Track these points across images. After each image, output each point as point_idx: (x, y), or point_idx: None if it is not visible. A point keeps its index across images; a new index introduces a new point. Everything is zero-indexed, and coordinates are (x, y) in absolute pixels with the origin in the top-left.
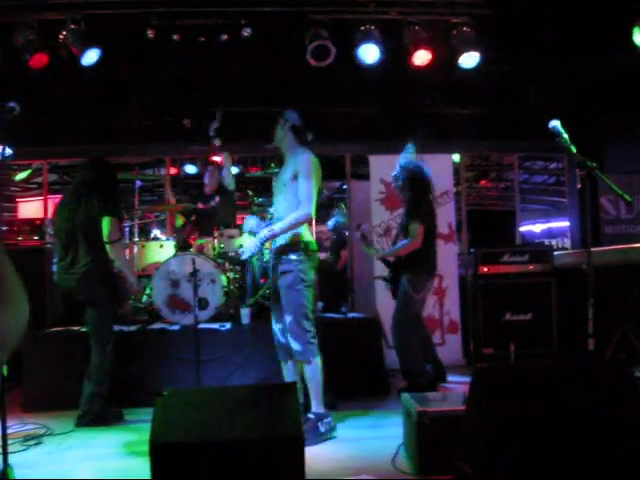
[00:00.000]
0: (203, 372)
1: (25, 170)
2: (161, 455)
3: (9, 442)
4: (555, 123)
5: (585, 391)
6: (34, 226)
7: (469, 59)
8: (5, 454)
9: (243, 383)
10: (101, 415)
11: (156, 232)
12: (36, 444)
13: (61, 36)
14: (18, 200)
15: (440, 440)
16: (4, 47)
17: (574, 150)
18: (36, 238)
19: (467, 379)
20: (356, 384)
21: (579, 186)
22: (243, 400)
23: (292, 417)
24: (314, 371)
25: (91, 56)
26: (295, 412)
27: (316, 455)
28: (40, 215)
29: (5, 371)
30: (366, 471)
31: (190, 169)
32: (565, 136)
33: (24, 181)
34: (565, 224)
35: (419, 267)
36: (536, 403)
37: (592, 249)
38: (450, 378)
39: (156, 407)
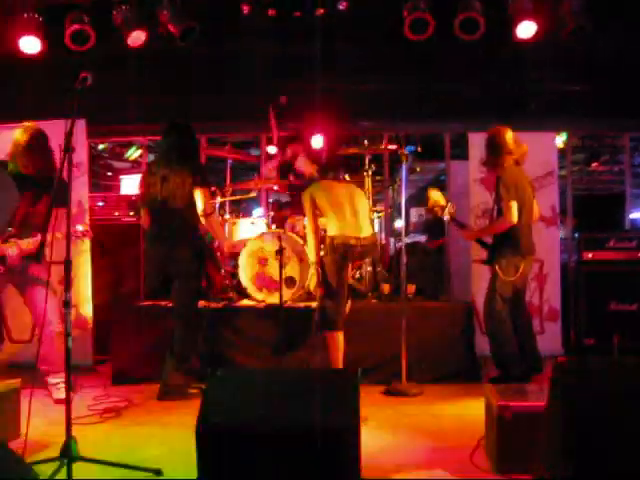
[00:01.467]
0: (285, 353)
1: (132, 147)
2: (206, 439)
3: (88, 414)
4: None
5: None
6: (130, 202)
7: (575, 32)
8: (69, 427)
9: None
10: (182, 390)
11: (256, 211)
12: (114, 417)
13: (159, 13)
14: (123, 177)
15: (522, 437)
16: (103, 26)
17: None
18: (132, 214)
19: None
20: (445, 370)
21: None
22: (299, 384)
23: (349, 406)
24: None
25: (188, 33)
26: (352, 401)
27: (388, 444)
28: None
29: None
30: (442, 465)
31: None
32: None
33: (134, 159)
34: None
35: (509, 248)
36: (620, 403)
37: None
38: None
39: (207, 388)
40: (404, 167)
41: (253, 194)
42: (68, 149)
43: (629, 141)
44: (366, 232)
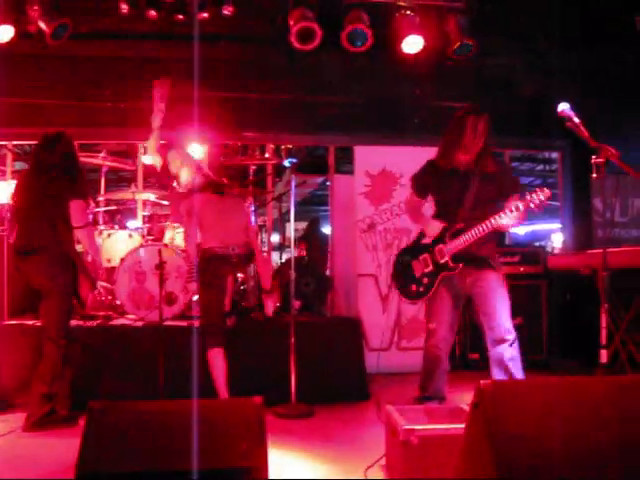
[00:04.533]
0: (167, 373)
1: None
2: None
3: None
4: (564, 106)
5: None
6: None
7: (462, 48)
8: None
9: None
10: (51, 419)
11: (132, 223)
12: None
13: (29, 10)
14: None
15: (430, 462)
16: None
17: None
18: None
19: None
20: (335, 390)
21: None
22: (195, 418)
23: (255, 443)
24: None
25: (60, 31)
26: (258, 435)
27: (278, 471)
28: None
29: None
30: None
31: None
32: (576, 120)
33: None
34: (549, 227)
35: None
36: (543, 422)
37: (594, 251)
38: None
39: (86, 426)
40: (293, 179)
41: (130, 202)
42: None
43: (509, 159)
44: (238, 240)
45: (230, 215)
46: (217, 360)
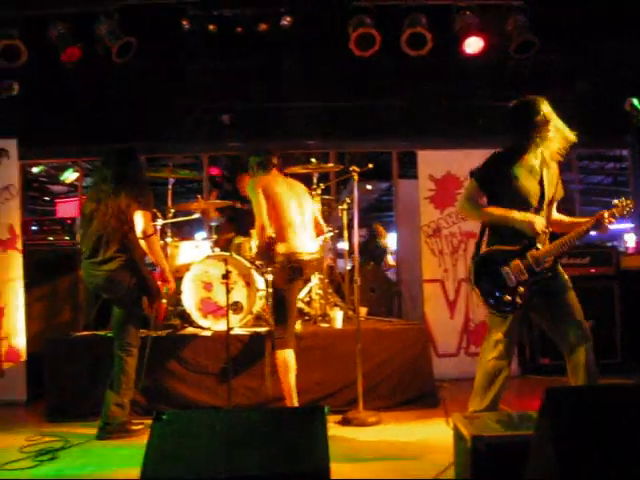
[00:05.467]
0: (233, 383)
1: (67, 170)
2: None
3: (20, 457)
4: (635, 100)
5: None
6: (65, 226)
7: (523, 47)
8: None
9: (276, 396)
10: (124, 427)
11: (199, 234)
12: (50, 459)
13: (97, 30)
14: (58, 201)
15: (498, 469)
16: (37, 42)
17: None
18: (67, 238)
19: None
20: (402, 396)
21: None
22: (258, 427)
23: (317, 450)
24: None
25: (125, 50)
26: (321, 443)
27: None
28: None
29: None
30: None
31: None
32: None
33: (70, 182)
34: (621, 226)
35: None
36: (612, 429)
37: None
38: None
39: (151, 434)
40: (355, 185)
41: (196, 215)
42: None
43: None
44: (315, 247)
45: (302, 209)
46: (288, 362)
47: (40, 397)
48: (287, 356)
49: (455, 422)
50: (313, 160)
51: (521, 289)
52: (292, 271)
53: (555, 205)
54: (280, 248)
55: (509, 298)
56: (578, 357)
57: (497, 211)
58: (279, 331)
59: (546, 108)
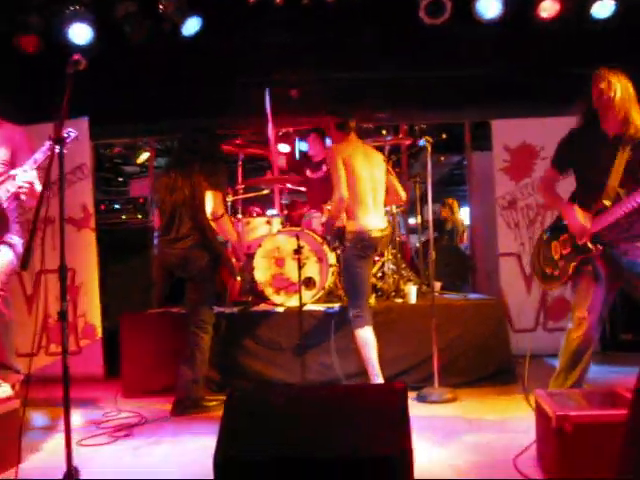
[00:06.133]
0: (308, 359)
1: (140, 151)
2: (227, 473)
3: (97, 433)
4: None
5: None
6: (138, 204)
7: (603, 8)
8: (69, 454)
9: (347, 373)
10: (198, 403)
11: (270, 211)
12: (125, 435)
13: (161, 6)
14: (131, 180)
15: (585, 450)
16: (104, 20)
17: None
18: (140, 217)
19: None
20: (479, 372)
21: None
22: (335, 406)
23: (399, 432)
24: None
25: (192, 25)
26: (403, 424)
27: (427, 458)
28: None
29: None
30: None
31: (302, 145)
32: None
33: (142, 162)
34: None
35: None
36: None
37: None
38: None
39: (225, 412)
40: (429, 157)
41: (267, 191)
42: (60, 140)
43: None
44: (384, 223)
45: (375, 183)
46: (369, 339)
47: (116, 373)
48: (366, 333)
49: (537, 399)
50: (384, 132)
51: (561, 263)
52: (363, 249)
53: None
54: (350, 226)
55: (550, 270)
56: None
57: (554, 199)
58: (355, 309)
59: (604, 83)
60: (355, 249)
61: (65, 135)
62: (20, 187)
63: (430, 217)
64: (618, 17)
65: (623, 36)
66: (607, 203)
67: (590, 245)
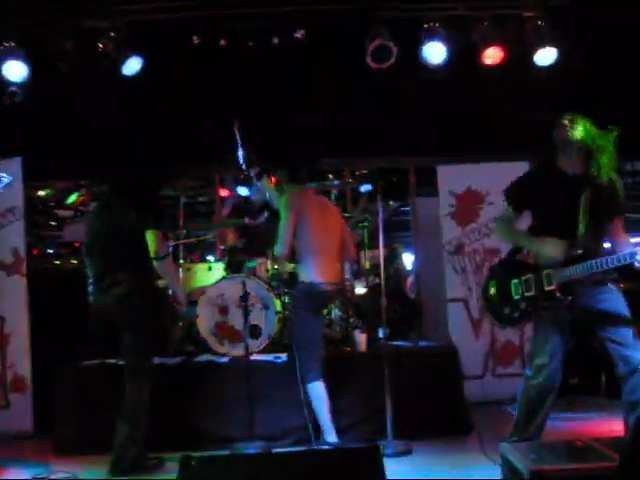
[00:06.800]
0: (256, 411)
1: (73, 193)
2: None
3: None
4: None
5: None
6: (73, 249)
7: (545, 56)
8: None
9: (302, 425)
10: (138, 462)
11: (210, 257)
12: None
13: (100, 44)
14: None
15: None
16: (36, 58)
17: None
18: (74, 262)
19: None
20: (433, 422)
21: None
22: (305, 474)
23: None
24: None
25: (133, 65)
26: None
27: None
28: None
29: None
30: None
31: (243, 191)
32: None
33: (74, 205)
34: None
35: None
36: None
37: None
38: None
39: None
40: (380, 204)
41: (209, 236)
42: None
43: None
44: (338, 277)
45: (334, 233)
46: (319, 392)
47: (48, 429)
48: (318, 388)
49: (504, 453)
50: (330, 176)
51: (523, 304)
52: (313, 301)
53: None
54: (302, 276)
55: (508, 311)
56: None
57: (518, 235)
58: (306, 362)
59: (567, 123)
60: (305, 300)
61: None
62: None
63: (382, 262)
64: (561, 64)
65: (567, 82)
66: (579, 252)
67: (559, 295)
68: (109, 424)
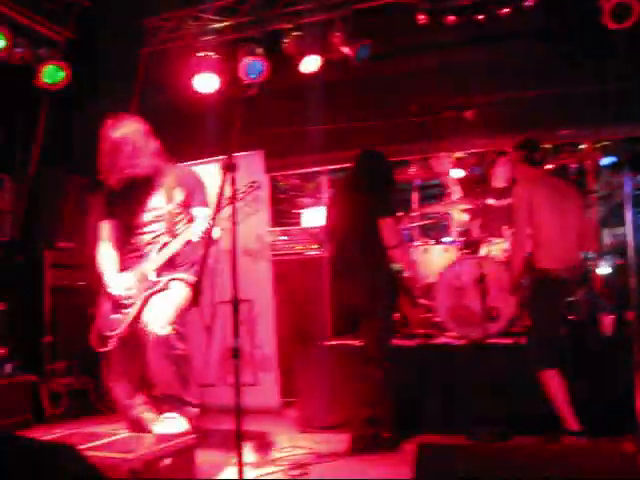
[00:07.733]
0: (492, 397)
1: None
2: None
3: (273, 469)
4: None
5: None
6: (312, 235)
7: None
8: None
9: (540, 413)
10: (376, 441)
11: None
12: (300, 475)
13: (332, 38)
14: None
15: None
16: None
17: None
18: (314, 247)
19: None
20: None
21: None
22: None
23: None
24: None
25: (362, 52)
26: None
27: None
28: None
29: None
30: None
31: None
32: None
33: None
34: None
35: None
36: None
37: None
38: None
39: (417, 468)
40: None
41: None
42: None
43: None
44: (575, 259)
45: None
46: (553, 382)
47: (293, 405)
48: (554, 375)
49: None
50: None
51: None
52: (549, 287)
53: None
54: (537, 263)
55: None
56: None
57: None
58: (541, 349)
59: None
60: (540, 287)
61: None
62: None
63: (630, 239)
64: None
65: None
66: None
67: None
68: (349, 403)
